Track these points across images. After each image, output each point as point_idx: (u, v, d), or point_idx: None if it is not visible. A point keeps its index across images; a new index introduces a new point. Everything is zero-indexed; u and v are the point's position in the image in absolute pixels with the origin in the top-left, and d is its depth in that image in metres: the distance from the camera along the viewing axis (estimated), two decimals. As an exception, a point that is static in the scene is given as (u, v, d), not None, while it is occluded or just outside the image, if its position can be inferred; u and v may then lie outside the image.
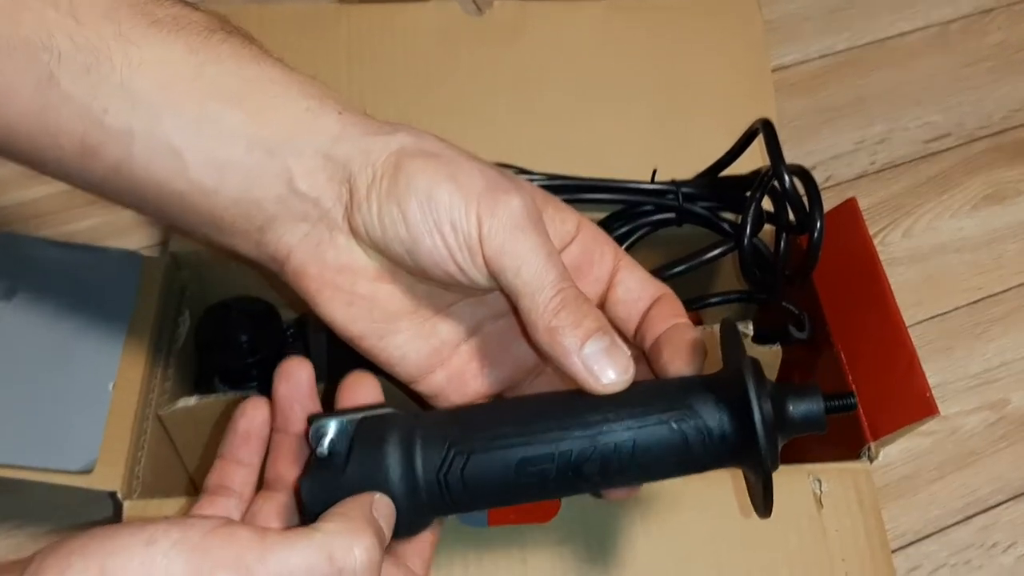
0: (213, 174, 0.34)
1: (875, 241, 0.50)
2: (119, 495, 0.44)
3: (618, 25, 0.60)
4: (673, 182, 0.53)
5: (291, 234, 0.35)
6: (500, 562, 0.42)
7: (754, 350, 0.51)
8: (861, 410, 0.46)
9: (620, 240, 0.52)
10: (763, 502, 0.33)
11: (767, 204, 0.51)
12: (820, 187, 0.48)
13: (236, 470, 0.36)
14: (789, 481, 0.44)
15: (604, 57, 0.60)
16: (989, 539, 0.63)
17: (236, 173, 0.34)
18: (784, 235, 0.51)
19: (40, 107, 0.32)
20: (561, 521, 0.43)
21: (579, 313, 0.33)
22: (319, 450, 0.33)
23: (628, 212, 0.53)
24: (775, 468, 0.32)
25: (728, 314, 0.60)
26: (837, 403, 0.33)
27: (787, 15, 0.88)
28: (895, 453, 0.66)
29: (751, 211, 0.49)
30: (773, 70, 0.81)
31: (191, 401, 0.49)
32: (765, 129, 0.50)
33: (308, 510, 0.32)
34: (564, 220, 0.38)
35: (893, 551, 0.62)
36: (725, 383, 0.33)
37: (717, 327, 0.36)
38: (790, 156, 0.48)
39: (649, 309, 0.38)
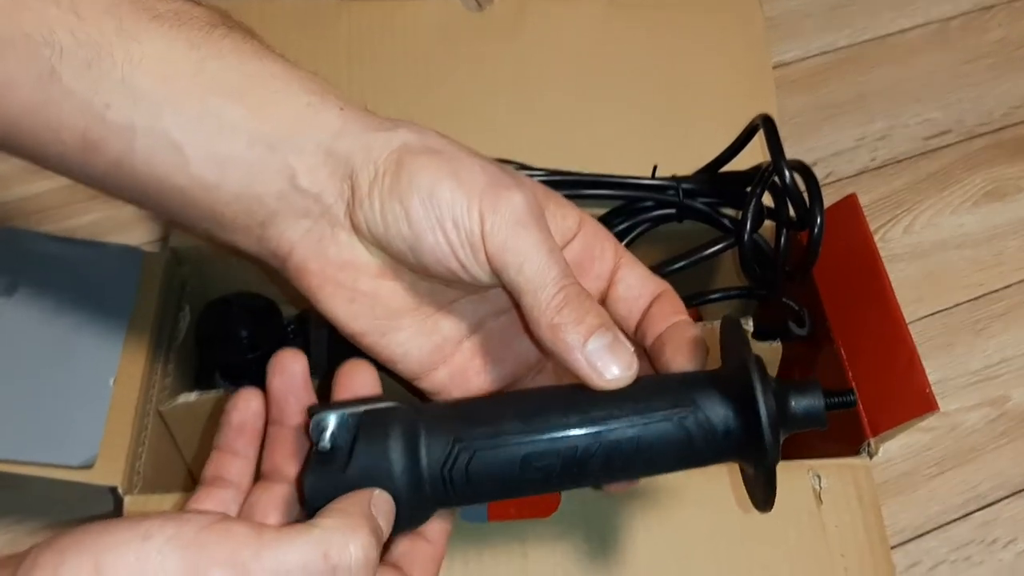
0: (214, 169, 0.34)
1: (876, 237, 0.50)
2: (120, 490, 0.44)
3: (619, 20, 0.60)
4: (674, 178, 0.53)
5: (293, 230, 0.35)
6: (500, 557, 0.42)
7: (754, 346, 0.51)
8: (861, 406, 0.46)
9: (620, 236, 0.52)
10: (765, 496, 0.33)
11: (768, 200, 0.51)
12: (821, 183, 0.48)
13: (232, 461, 0.36)
14: (789, 477, 0.44)
15: (605, 53, 0.60)
16: (989, 535, 0.63)
17: (237, 169, 0.34)
18: (784, 231, 0.51)
19: (42, 102, 0.32)
20: (561, 516, 0.43)
21: (582, 309, 0.33)
22: (321, 444, 0.33)
23: (628, 208, 0.53)
24: (777, 463, 0.32)
25: (728, 311, 0.60)
26: (837, 400, 0.34)
27: (788, 12, 0.88)
28: (895, 449, 0.66)
29: (751, 207, 0.49)
30: (774, 67, 0.81)
31: (191, 397, 0.49)
32: (765, 125, 0.50)
33: (310, 505, 0.32)
34: (565, 216, 0.38)
35: (893, 547, 0.62)
36: (729, 378, 0.33)
37: (718, 324, 0.36)
38: (791, 153, 0.48)
39: (649, 306, 0.38)
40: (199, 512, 0.31)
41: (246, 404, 0.36)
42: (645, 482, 0.44)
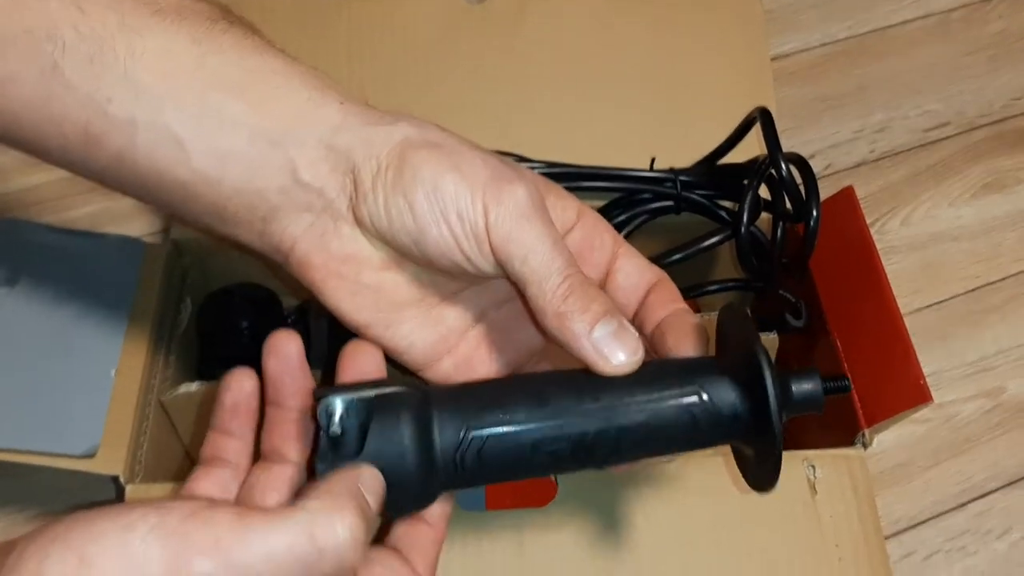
0: (215, 164, 0.34)
1: (874, 229, 0.51)
2: (121, 479, 0.45)
3: (618, 12, 0.61)
4: (671, 170, 0.54)
5: (295, 224, 0.35)
6: (497, 545, 0.43)
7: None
8: (856, 397, 0.47)
9: (619, 228, 0.52)
10: (770, 477, 0.33)
11: (764, 192, 0.51)
12: (819, 176, 0.48)
13: (228, 442, 0.36)
14: (784, 467, 0.44)
15: (604, 45, 0.60)
16: (984, 525, 0.64)
17: (238, 163, 0.34)
18: (781, 223, 0.51)
19: (44, 96, 0.33)
20: (558, 505, 0.43)
21: (587, 298, 0.34)
22: (332, 429, 0.33)
23: (627, 200, 0.54)
24: (782, 445, 0.33)
25: (725, 302, 0.60)
26: (833, 384, 0.35)
27: (787, 4, 0.87)
28: (890, 440, 0.66)
29: (748, 199, 0.49)
30: (773, 59, 0.81)
31: (192, 387, 0.49)
32: (763, 117, 0.50)
33: None
34: (565, 207, 0.39)
35: (888, 537, 0.63)
36: (734, 363, 0.34)
37: (716, 315, 0.37)
38: (790, 145, 0.48)
39: (647, 294, 0.39)
40: (185, 499, 0.30)
41: (239, 384, 0.36)
42: (640, 470, 0.44)
